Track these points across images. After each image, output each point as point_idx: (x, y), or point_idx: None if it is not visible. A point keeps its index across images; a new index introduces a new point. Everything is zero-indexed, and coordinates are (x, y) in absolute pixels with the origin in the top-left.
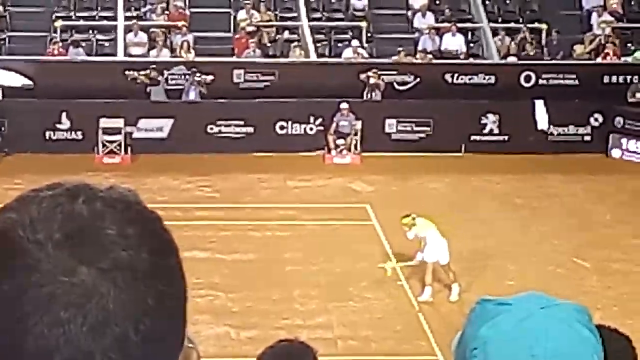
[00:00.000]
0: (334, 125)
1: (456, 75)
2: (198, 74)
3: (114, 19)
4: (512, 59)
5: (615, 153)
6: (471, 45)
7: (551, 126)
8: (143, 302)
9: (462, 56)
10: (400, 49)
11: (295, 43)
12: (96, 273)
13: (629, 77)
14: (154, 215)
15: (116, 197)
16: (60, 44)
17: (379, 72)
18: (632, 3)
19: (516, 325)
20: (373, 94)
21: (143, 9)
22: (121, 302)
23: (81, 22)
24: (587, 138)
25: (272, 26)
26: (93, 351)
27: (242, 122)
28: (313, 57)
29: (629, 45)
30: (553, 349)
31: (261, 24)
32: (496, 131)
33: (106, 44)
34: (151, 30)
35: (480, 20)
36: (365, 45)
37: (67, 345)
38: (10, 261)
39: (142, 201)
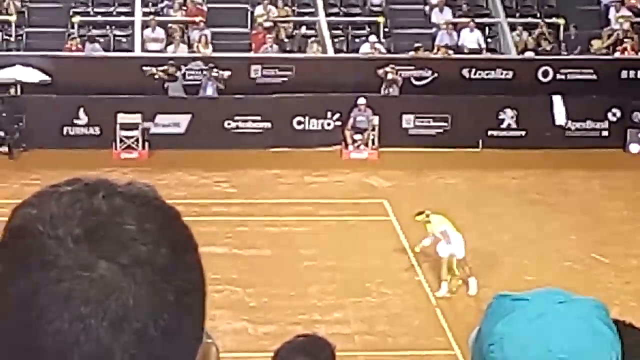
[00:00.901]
0: (351, 120)
1: (473, 70)
2: (215, 70)
3: (132, 14)
4: (529, 54)
5: (633, 148)
6: (489, 40)
7: (569, 121)
8: (162, 297)
9: (482, 52)
10: (419, 44)
11: (313, 39)
12: (116, 268)
13: None
14: (173, 210)
15: (135, 193)
16: (78, 39)
17: (397, 68)
18: None
19: (533, 321)
20: (390, 89)
21: (160, 5)
22: (141, 297)
23: (99, 18)
24: (605, 133)
25: (289, 22)
26: (113, 347)
27: (259, 118)
28: (330, 53)
29: None
30: (570, 344)
31: (278, 19)
32: (514, 126)
33: (123, 39)
34: (169, 25)
35: (497, 15)
36: (383, 40)
37: (87, 341)
38: (30, 257)
39: (160, 197)
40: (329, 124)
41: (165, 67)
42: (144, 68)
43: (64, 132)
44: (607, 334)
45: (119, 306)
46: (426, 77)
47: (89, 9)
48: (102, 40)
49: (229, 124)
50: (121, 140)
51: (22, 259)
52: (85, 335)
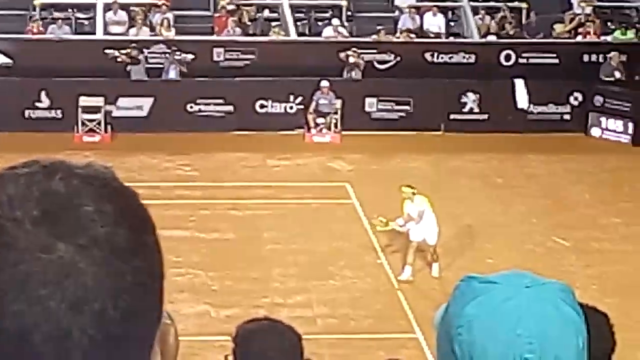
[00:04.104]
0: (313, 104)
1: (436, 54)
2: (178, 53)
3: None
4: (492, 38)
5: (595, 132)
6: (451, 24)
7: (531, 105)
8: (121, 278)
9: (442, 37)
10: (380, 27)
11: (275, 23)
12: (74, 250)
13: (608, 56)
14: (130, 192)
15: (93, 174)
16: (40, 22)
17: (359, 51)
18: None
19: (501, 304)
20: (353, 72)
21: None
22: (100, 278)
23: (61, 0)
24: (567, 117)
25: (252, 5)
26: (72, 328)
27: (222, 101)
28: (293, 36)
29: (609, 24)
30: (538, 328)
31: (241, 2)
32: (476, 110)
33: (85, 22)
34: (131, 8)
35: None
36: (346, 24)
37: (46, 323)
38: None
39: (118, 178)
40: (291, 108)
41: (128, 50)
42: (106, 51)
43: (26, 115)
44: (574, 318)
45: (77, 287)
46: (389, 61)
47: None
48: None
49: (191, 107)
50: (83, 124)
51: None
52: (44, 316)
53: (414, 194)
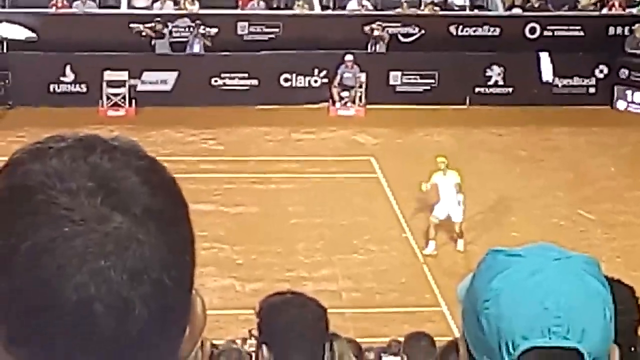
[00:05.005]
0: (338, 77)
1: (461, 27)
2: (202, 27)
3: None
4: (517, 11)
5: (620, 105)
6: None
7: (556, 78)
8: (173, 248)
9: (467, 10)
10: (405, 0)
11: None
12: (130, 220)
13: (632, 29)
14: (161, 164)
15: (128, 147)
16: None
17: (383, 24)
18: None
19: (529, 278)
20: (377, 46)
21: None
22: (156, 249)
23: None
24: (592, 90)
25: None
26: (133, 298)
27: (246, 75)
28: (317, 10)
29: None
30: (565, 302)
31: None
32: (501, 83)
33: None
34: None
35: None
36: None
37: (108, 294)
38: (41, 213)
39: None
40: (315, 81)
41: (152, 24)
42: (131, 25)
43: (51, 90)
44: (601, 291)
45: (136, 258)
46: (413, 34)
47: None
48: None
49: (215, 81)
50: (108, 98)
51: (33, 215)
52: (106, 287)
53: (447, 166)
